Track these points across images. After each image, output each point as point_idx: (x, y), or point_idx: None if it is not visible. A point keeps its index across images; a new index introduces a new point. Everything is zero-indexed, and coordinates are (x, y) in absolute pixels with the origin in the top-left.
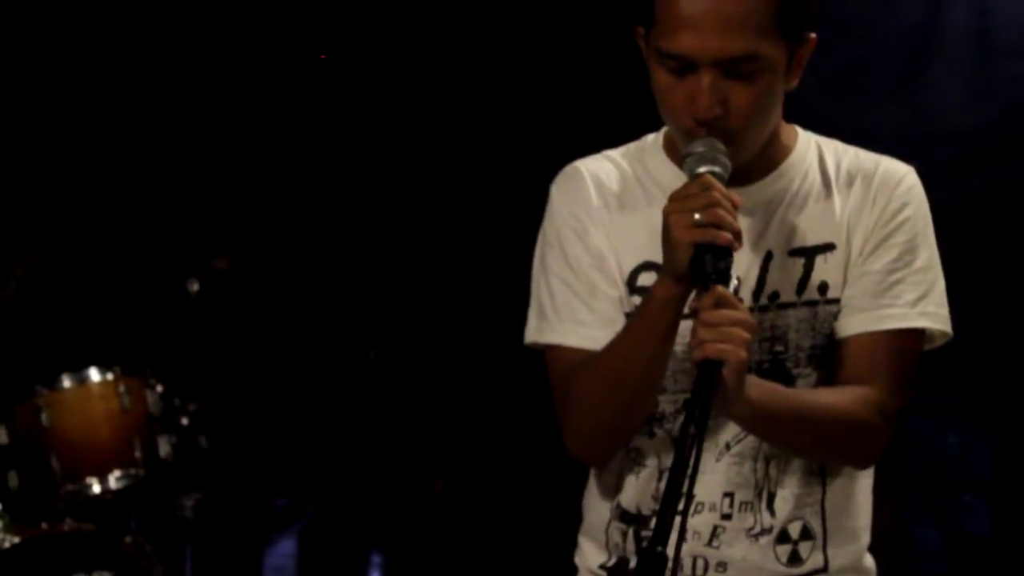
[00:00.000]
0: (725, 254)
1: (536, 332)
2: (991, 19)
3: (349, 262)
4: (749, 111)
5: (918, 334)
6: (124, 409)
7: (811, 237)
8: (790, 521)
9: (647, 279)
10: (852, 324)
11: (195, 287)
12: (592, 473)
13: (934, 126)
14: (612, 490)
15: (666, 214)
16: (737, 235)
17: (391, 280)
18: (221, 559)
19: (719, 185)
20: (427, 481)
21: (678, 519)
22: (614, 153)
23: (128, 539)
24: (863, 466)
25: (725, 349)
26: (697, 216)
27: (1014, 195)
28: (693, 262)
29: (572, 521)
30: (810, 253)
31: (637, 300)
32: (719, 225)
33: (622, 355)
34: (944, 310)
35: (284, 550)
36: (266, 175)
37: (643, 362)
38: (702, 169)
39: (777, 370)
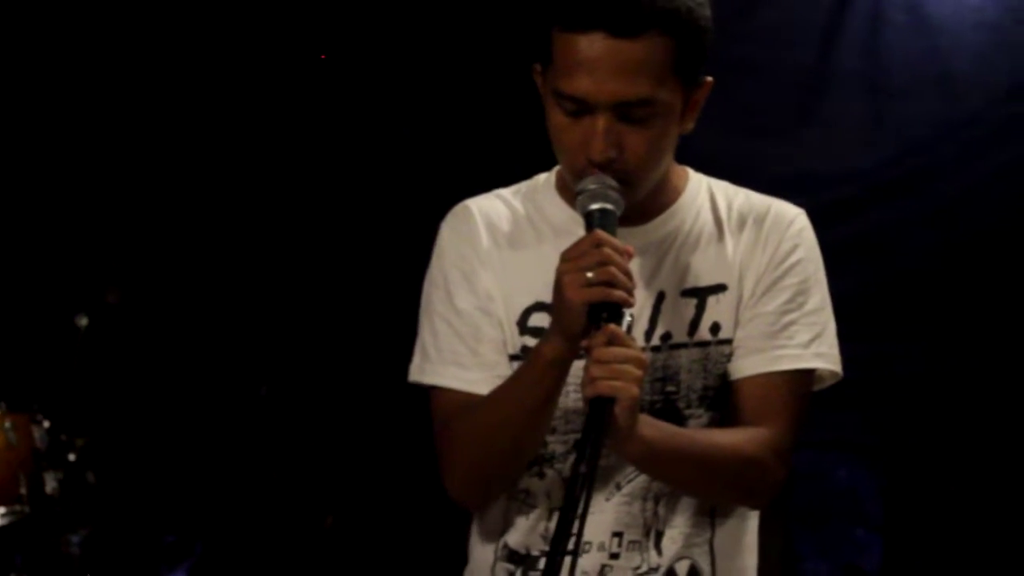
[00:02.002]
0: (619, 311)
1: (419, 372)
2: (881, 60)
3: (240, 297)
4: (643, 155)
5: (811, 374)
6: (9, 445)
7: (703, 278)
8: (677, 560)
9: (539, 319)
10: (746, 366)
11: (84, 321)
12: (476, 514)
13: (827, 166)
14: (498, 530)
15: (558, 274)
16: (630, 292)
17: (282, 316)
18: None
19: (611, 240)
20: (317, 517)
21: (568, 559)
22: (505, 192)
23: None
24: (758, 506)
25: (617, 386)
26: (590, 275)
27: (905, 234)
28: (589, 320)
29: (460, 560)
30: (702, 294)
31: (528, 340)
32: (612, 283)
33: (506, 407)
34: (835, 350)
35: None
36: (156, 210)
37: (527, 415)
38: (595, 206)
39: (669, 410)
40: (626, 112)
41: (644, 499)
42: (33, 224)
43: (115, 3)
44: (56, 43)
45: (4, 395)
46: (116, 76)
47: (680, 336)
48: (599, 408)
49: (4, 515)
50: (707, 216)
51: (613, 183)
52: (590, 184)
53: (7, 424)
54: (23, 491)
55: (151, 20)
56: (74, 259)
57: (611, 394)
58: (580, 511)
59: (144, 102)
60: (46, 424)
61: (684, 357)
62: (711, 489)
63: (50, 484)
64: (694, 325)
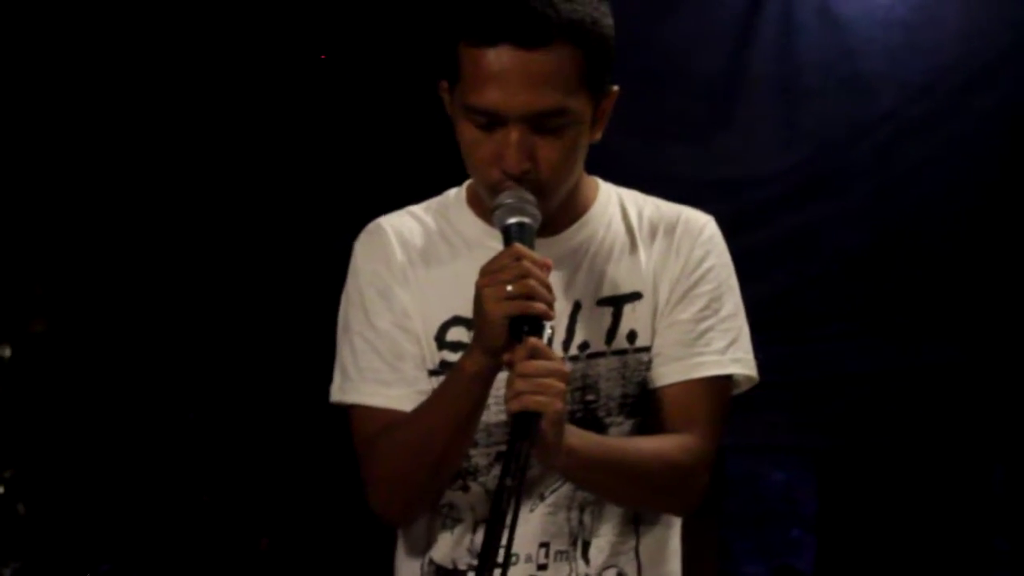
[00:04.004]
0: (540, 324)
1: (339, 392)
2: (793, 62)
3: (164, 323)
4: (557, 165)
5: (729, 380)
6: None
7: (618, 287)
8: (604, 569)
9: (457, 334)
10: (666, 374)
11: (7, 352)
12: (400, 530)
13: (744, 170)
14: (423, 546)
15: (478, 288)
16: (551, 304)
17: (204, 341)
18: None
19: (530, 253)
20: (253, 539)
21: (497, 572)
22: (417, 209)
23: None
24: (684, 512)
25: (542, 401)
26: (509, 288)
27: (824, 234)
28: (510, 333)
29: None
30: (618, 302)
31: (447, 355)
32: (532, 296)
33: (429, 424)
34: (751, 355)
35: None
36: (81, 232)
37: (450, 432)
38: (512, 220)
39: (589, 419)
40: (539, 123)
41: (569, 508)
42: None
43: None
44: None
45: None
46: (34, 88)
47: (598, 345)
48: (524, 422)
49: None
50: (619, 225)
51: (530, 197)
52: (507, 199)
53: None
54: None
55: (118, 22)
56: None
57: (537, 409)
58: (509, 523)
59: (66, 118)
60: None
61: (602, 366)
62: (637, 497)
63: None
64: (611, 334)
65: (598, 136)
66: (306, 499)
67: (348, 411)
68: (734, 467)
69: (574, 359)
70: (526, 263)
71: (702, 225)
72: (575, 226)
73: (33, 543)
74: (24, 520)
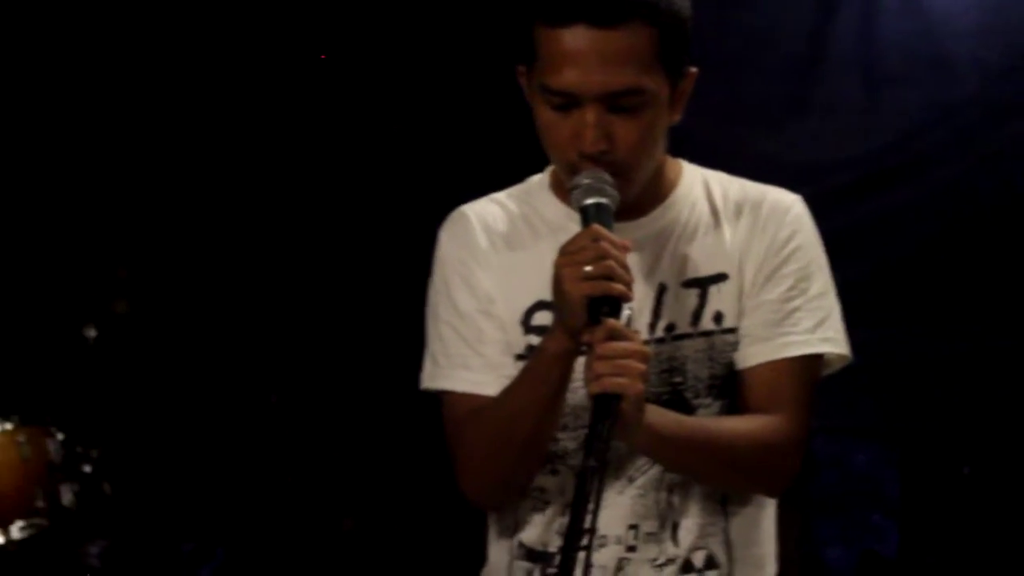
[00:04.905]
0: (618, 305)
1: (429, 378)
2: (875, 47)
3: (249, 304)
4: (635, 145)
5: (818, 360)
6: (24, 459)
7: (703, 268)
8: (694, 550)
9: (542, 318)
10: (753, 354)
11: (92, 332)
12: (492, 513)
13: (824, 154)
14: (513, 529)
15: (557, 268)
16: (629, 285)
17: (291, 323)
18: None
19: (608, 234)
20: (336, 520)
21: (582, 554)
22: (500, 195)
23: None
24: (773, 493)
25: (622, 382)
26: (588, 268)
27: (905, 219)
28: (589, 314)
29: (477, 561)
30: (704, 283)
31: (533, 339)
32: (611, 276)
33: (514, 407)
34: (842, 334)
35: None
36: (164, 215)
37: (535, 413)
38: (590, 201)
39: (677, 401)
40: (615, 102)
41: (658, 490)
42: (40, 236)
43: (115, 4)
44: (64, 47)
45: (17, 409)
46: (123, 84)
47: (684, 327)
48: (605, 404)
49: (23, 528)
50: (703, 206)
51: (607, 177)
52: (584, 179)
53: (21, 438)
54: (40, 504)
55: (157, 23)
56: (81, 270)
57: (616, 390)
58: (592, 505)
59: (152, 111)
60: (60, 436)
61: (689, 347)
62: (722, 476)
63: (67, 496)
64: (697, 315)
65: (677, 118)
66: (393, 482)
67: (439, 397)
68: (816, 449)
69: (660, 341)
70: (604, 244)
71: (789, 204)
72: (659, 208)
73: (119, 522)
74: (110, 500)
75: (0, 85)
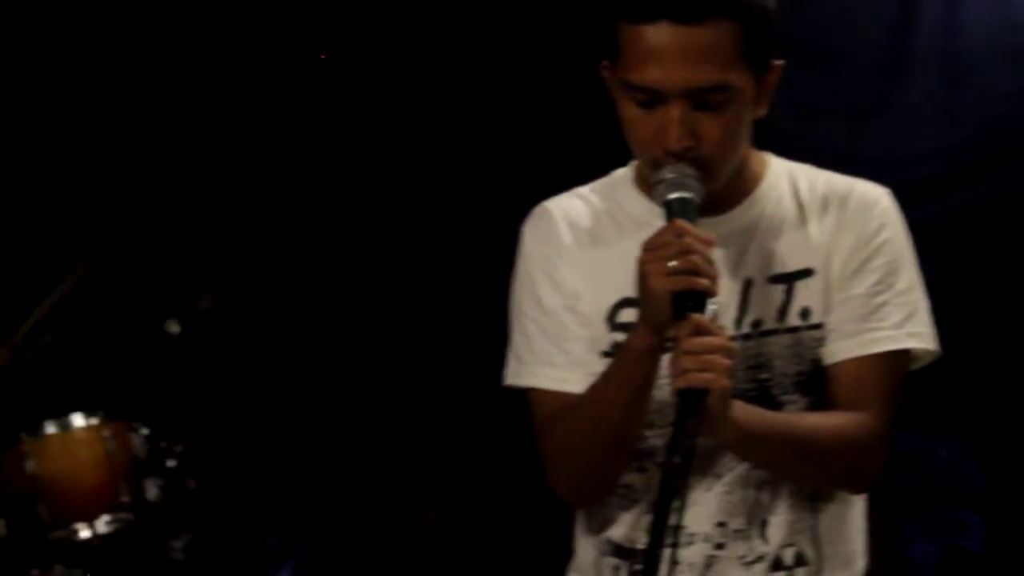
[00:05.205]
0: (703, 300)
1: (514, 375)
2: (958, 40)
3: (331, 298)
4: (720, 140)
5: (906, 355)
6: (109, 453)
7: (790, 263)
8: (783, 547)
9: (628, 315)
10: (840, 350)
11: (175, 328)
12: (579, 509)
13: (905, 148)
14: (602, 525)
15: (641, 264)
16: (714, 280)
17: (374, 315)
18: None
19: (692, 229)
20: (418, 514)
21: (669, 551)
22: (584, 190)
23: None
24: (859, 490)
25: (707, 378)
26: (672, 264)
27: (990, 214)
28: (674, 310)
29: (563, 556)
30: (790, 279)
31: (618, 336)
32: (695, 272)
33: (600, 404)
34: (930, 329)
35: None
36: (247, 211)
37: (621, 411)
38: (674, 196)
39: (763, 397)
40: (699, 99)
41: (745, 487)
42: (126, 234)
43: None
44: (145, 44)
45: (102, 404)
46: (211, 83)
47: (770, 323)
48: (690, 400)
49: (108, 523)
50: (789, 201)
51: (691, 171)
52: (668, 173)
53: (106, 433)
54: (125, 499)
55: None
56: (165, 267)
57: (702, 385)
58: (678, 502)
59: (238, 108)
60: (144, 431)
61: (775, 343)
62: (809, 472)
63: (151, 491)
64: (783, 311)
65: (762, 111)
66: (473, 475)
67: (525, 394)
68: (899, 443)
69: (747, 337)
70: (688, 239)
71: (877, 197)
72: (745, 203)
73: (203, 517)
74: (194, 494)
75: (85, 85)
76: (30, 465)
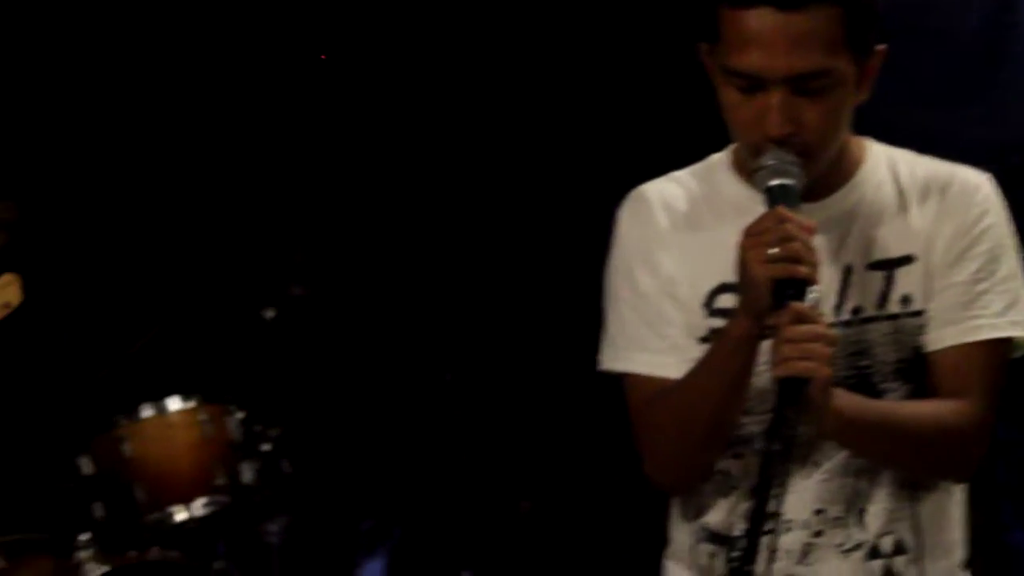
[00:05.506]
0: (804, 288)
1: (610, 360)
2: None
3: (424, 284)
4: (821, 127)
5: (1007, 343)
6: (205, 437)
7: (890, 249)
8: (882, 535)
9: (725, 301)
10: (941, 337)
11: (270, 314)
12: (675, 496)
13: (1008, 132)
14: (698, 512)
15: (742, 250)
16: (815, 267)
17: (466, 301)
18: None
19: (793, 216)
20: (514, 501)
21: (767, 538)
22: (681, 174)
23: (216, 565)
24: (959, 479)
25: (809, 366)
26: (773, 251)
27: None
28: (774, 297)
29: (659, 543)
30: (890, 266)
31: (716, 322)
32: (796, 259)
33: (697, 390)
34: None
35: (372, 573)
36: (340, 201)
37: (719, 398)
38: (775, 182)
39: (863, 385)
40: (801, 85)
41: (844, 475)
42: (223, 224)
43: None
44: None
45: (199, 388)
46: (297, 83)
47: (870, 309)
48: (791, 388)
49: (205, 505)
50: (889, 187)
51: (792, 157)
52: (769, 160)
53: (202, 417)
54: (221, 482)
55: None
56: (260, 256)
57: (803, 374)
58: (777, 489)
59: (331, 103)
60: (240, 415)
61: (876, 331)
62: (908, 460)
63: (247, 474)
64: (884, 298)
65: (864, 97)
66: (569, 462)
67: (620, 379)
68: (999, 432)
69: (847, 324)
70: (789, 226)
71: (978, 183)
72: (844, 189)
73: (298, 500)
74: (289, 478)
75: (190, 87)
76: (127, 448)
